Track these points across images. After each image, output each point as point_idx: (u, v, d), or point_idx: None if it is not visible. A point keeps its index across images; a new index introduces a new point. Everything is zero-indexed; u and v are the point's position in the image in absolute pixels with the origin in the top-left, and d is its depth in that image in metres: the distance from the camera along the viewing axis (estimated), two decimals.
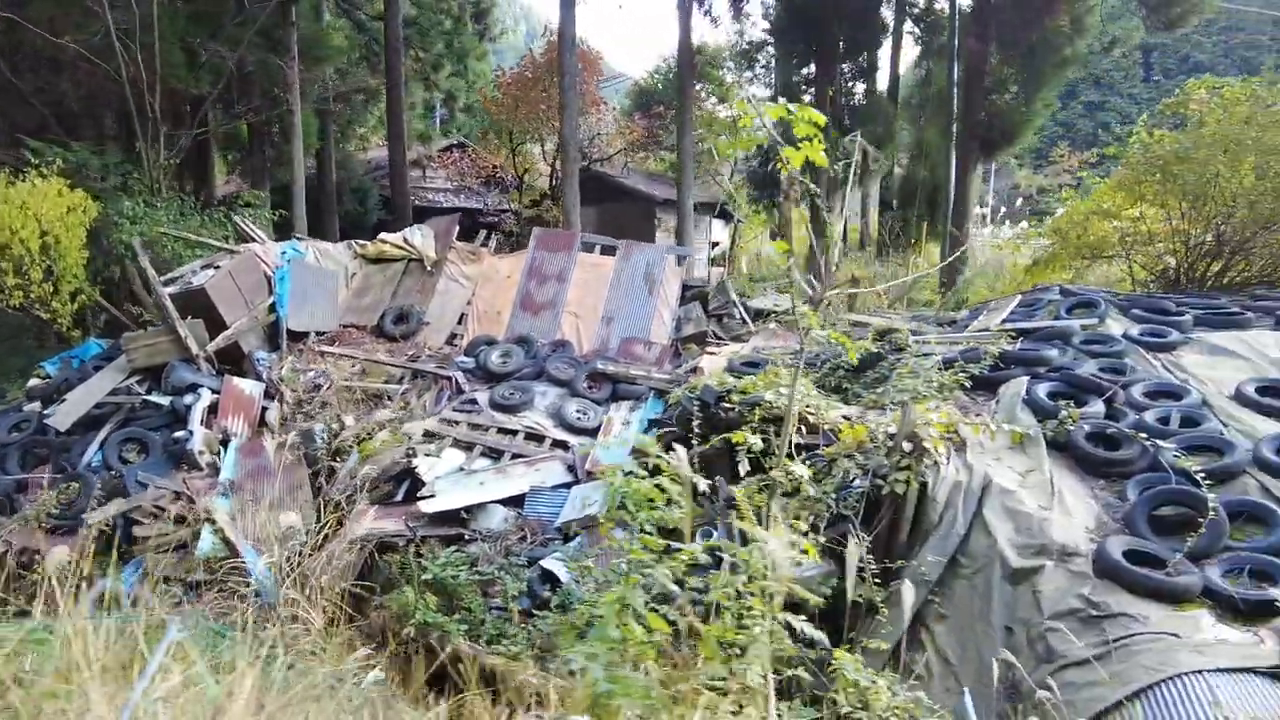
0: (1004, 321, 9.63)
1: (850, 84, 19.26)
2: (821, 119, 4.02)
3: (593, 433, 9.23)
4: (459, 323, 11.41)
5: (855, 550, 5.84)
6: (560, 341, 10.82)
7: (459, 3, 21.51)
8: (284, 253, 11.71)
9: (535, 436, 9.15)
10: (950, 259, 15.50)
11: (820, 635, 3.16)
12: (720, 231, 26.01)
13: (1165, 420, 6.87)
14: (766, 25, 19.06)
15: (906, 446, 6.06)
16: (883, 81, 20.91)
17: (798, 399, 7.05)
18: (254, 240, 11.83)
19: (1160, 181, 12.36)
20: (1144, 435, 6.50)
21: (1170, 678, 4.41)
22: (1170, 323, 8.77)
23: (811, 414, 7.08)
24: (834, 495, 6.14)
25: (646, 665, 2.46)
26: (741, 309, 11.48)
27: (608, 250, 11.77)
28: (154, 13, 12.68)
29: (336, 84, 19.67)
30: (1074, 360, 8.18)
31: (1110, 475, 6.41)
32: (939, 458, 6.31)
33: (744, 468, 6.10)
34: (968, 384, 7.80)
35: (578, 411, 9.50)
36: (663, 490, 3.60)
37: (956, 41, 15.08)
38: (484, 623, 6.78)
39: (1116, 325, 9.08)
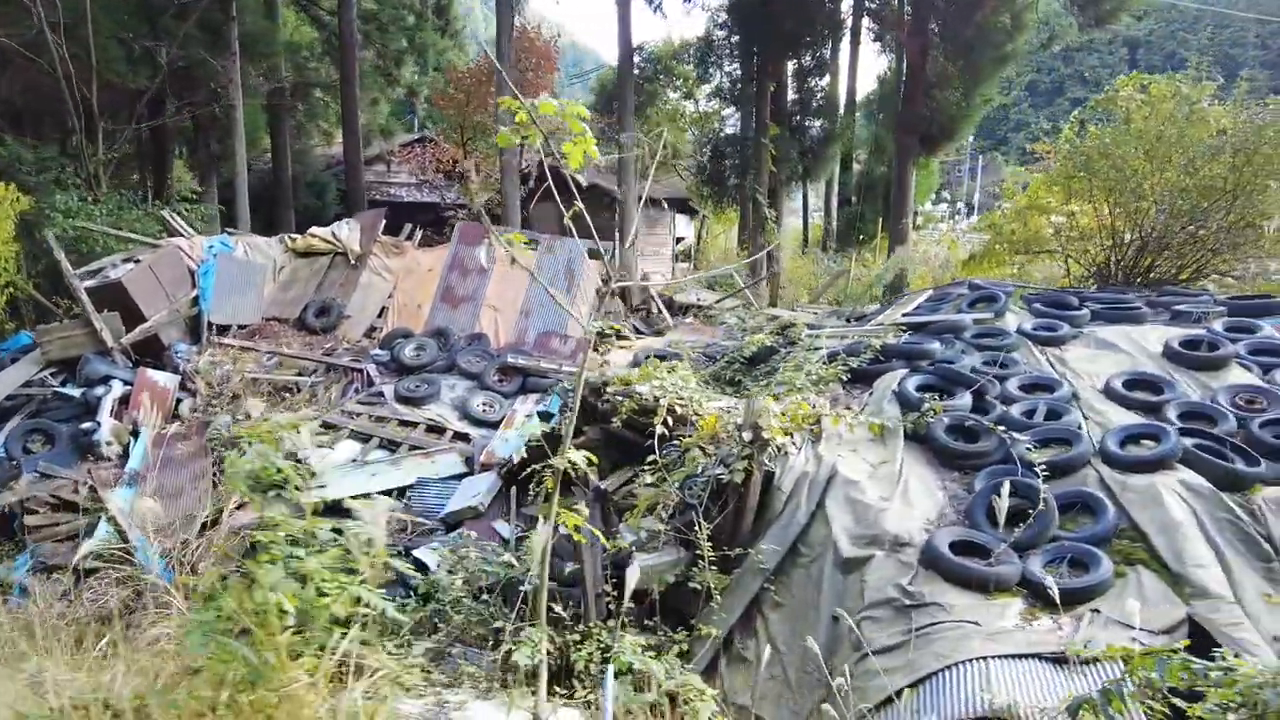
0: (908, 315, 9.68)
1: (808, 81, 19.28)
2: (585, 113, 4.07)
3: (496, 425, 9.30)
4: (379, 316, 11.49)
5: (668, 543, 5.96)
6: (476, 335, 10.90)
7: None
8: (210, 247, 11.78)
9: (437, 429, 9.22)
10: (893, 256, 15.54)
11: (398, 615, 3.23)
12: (686, 227, 26.06)
13: (1030, 413, 6.93)
14: (720, 20, 19.10)
15: (746, 437, 6.11)
16: (863, 80, 20.94)
17: (670, 392, 7.13)
18: (180, 234, 11.89)
19: (1085, 178, 12.40)
20: (1002, 428, 6.58)
21: (953, 664, 4.48)
22: (1067, 318, 8.81)
23: (682, 405, 7.14)
24: (676, 485, 6.21)
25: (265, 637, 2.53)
26: (660, 304, 11.54)
27: (529, 245, 11.83)
28: (87, 7, 12.73)
29: (292, 78, 19.72)
30: (961, 354, 8.23)
31: (965, 467, 6.48)
32: (789, 447, 6.37)
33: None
34: (846, 377, 7.87)
35: (483, 404, 9.57)
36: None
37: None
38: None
39: (1015, 320, 9.12)
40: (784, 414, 6.73)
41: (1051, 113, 63.71)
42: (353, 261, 11.94)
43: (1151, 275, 12.85)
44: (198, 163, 15.74)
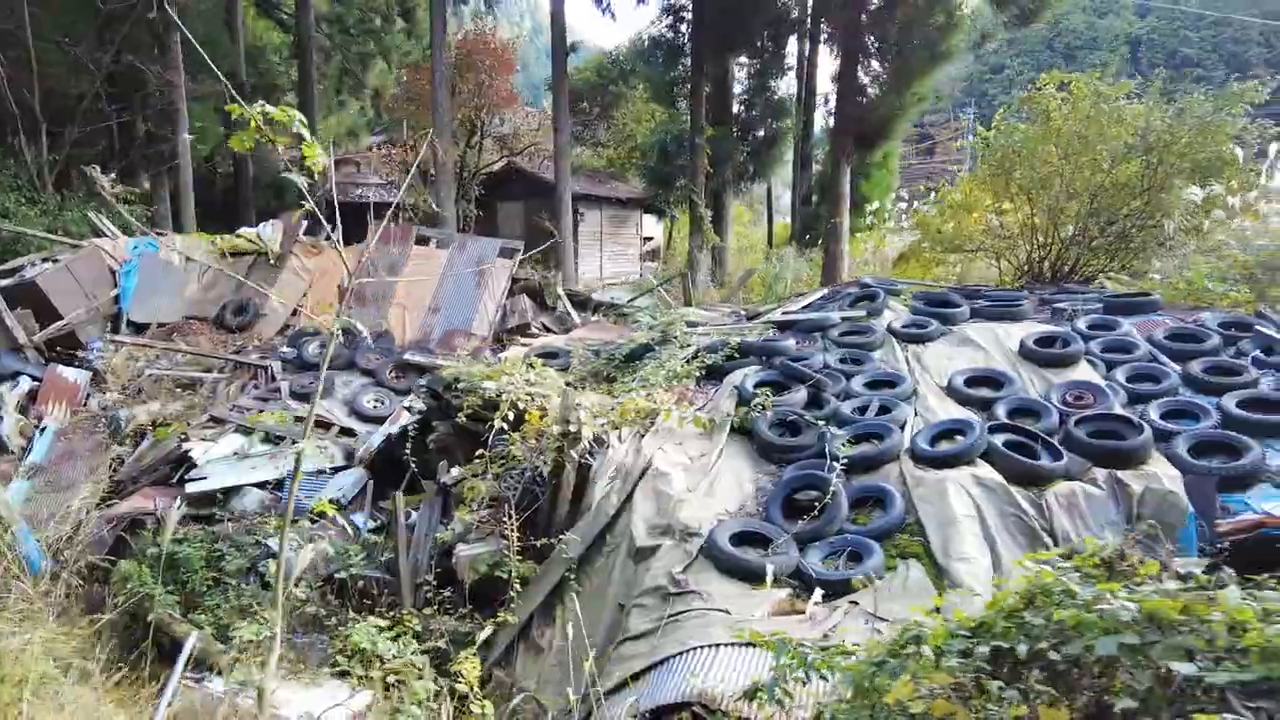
0: (788, 313, 9.76)
1: (761, 80, 19.30)
2: (287, 115, 4.21)
3: (383, 421, 9.49)
4: (293, 314, 11.71)
5: (490, 534, 6.11)
6: (382, 332, 11.09)
7: (385, 1, 21.82)
8: (135, 247, 12.06)
9: (324, 424, 9.41)
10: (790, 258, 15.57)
11: None
12: (654, 227, 26.17)
13: (864, 409, 7.01)
14: (656, 18, 19.17)
15: (556, 430, 6.25)
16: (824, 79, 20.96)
17: (514, 389, 7.27)
18: (105, 235, 12.19)
19: (1003, 177, 12.40)
20: (823, 422, 6.68)
21: (684, 650, 4.59)
22: (943, 316, 8.85)
23: (525, 402, 7.28)
24: (492, 477, 6.36)
25: None
26: (567, 303, 11.68)
27: (443, 244, 12.03)
28: (25, 15, 13.07)
29: (253, 81, 20.06)
30: (824, 351, 8.32)
31: (783, 460, 6.58)
32: (607, 440, 6.51)
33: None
34: (700, 373, 7.98)
35: (373, 400, 9.76)
36: None
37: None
38: (205, 593, 7.08)
39: (891, 318, 9.16)
40: (615, 409, 6.88)
41: None
42: (272, 261, 12.18)
43: (1077, 273, 12.85)
44: (149, 164, 16.09)
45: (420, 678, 4.64)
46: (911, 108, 14.63)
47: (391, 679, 4.70)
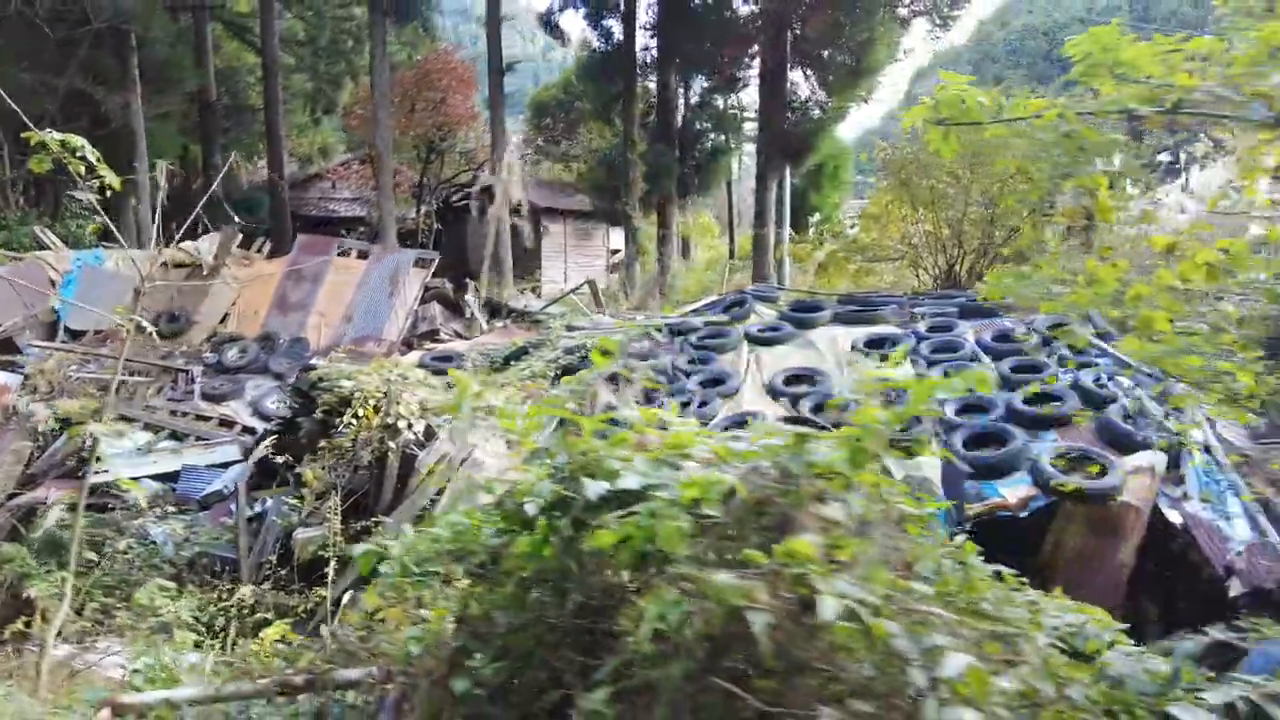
0: (674, 318, 10.29)
1: (709, 95, 19.86)
2: (74, 143, 4.83)
3: None
4: (222, 322, 12.41)
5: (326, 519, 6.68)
6: (298, 339, 11.74)
7: (356, 23, 22.66)
8: (77, 259, 12.83)
9: (228, 423, 10.05)
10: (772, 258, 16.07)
11: None
12: (621, 239, 26.78)
13: (685, 405, 7.53)
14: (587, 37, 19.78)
15: (377, 422, 6.83)
16: None
17: (369, 388, 7.85)
18: (48, 248, 12.97)
19: (901, 189, 12.87)
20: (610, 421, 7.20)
21: None
22: (804, 320, 9.34)
23: (373, 399, 7.84)
24: (322, 467, 6.95)
25: None
26: (476, 309, 12.29)
27: (364, 255, 12.69)
28: None
29: (226, 101, 20.99)
30: (678, 352, 8.86)
31: None
32: (433, 430, 7.08)
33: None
34: (555, 373, 8.53)
35: (276, 402, 10.38)
36: None
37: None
38: (83, 573, 7.70)
39: (756, 322, 9.66)
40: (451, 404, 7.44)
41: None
42: (206, 273, 12.90)
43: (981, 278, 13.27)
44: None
45: (196, 632, 5.21)
46: (835, 122, 15.12)
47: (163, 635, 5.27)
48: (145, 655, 4.44)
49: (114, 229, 7.59)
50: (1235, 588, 5.28)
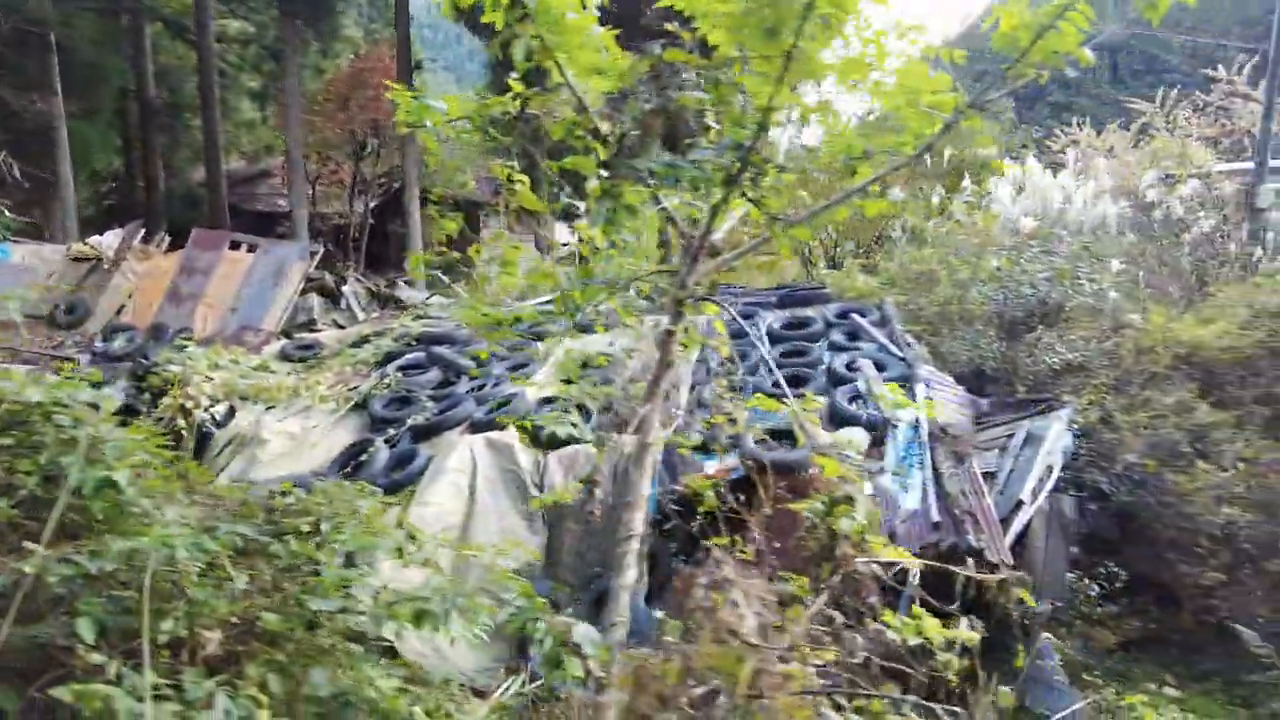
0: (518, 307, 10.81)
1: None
2: None
3: None
4: (118, 314, 12.99)
5: None
6: (185, 329, 12.29)
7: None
8: None
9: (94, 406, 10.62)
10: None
11: None
12: (569, 233, 27.30)
13: (482, 387, 8.06)
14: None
15: (178, 404, 7.40)
16: None
17: (188, 371, 8.41)
18: None
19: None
20: (427, 397, 7.75)
21: None
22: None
23: (188, 383, 8.39)
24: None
25: None
26: (353, 301, 12.83)
27: (254, 248, 13.26)
28: None
29: (168, 99, 21.60)
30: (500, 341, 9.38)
31: (388, 430, 7.65)
32: (231, 410, 7.65)
33: None
34: (377, 359, 9.08)
35: (120, 389, 10.96)
36: None
37: None
38: None
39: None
40: (251, 386, 8.01)
41: (1031, 117, 63.20)
42: (106, 266, 13.49)
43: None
44: (32, 183, 17.42)
45: None
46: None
47: None
48: None
49: (41, 226, 8.11)
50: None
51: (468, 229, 21.06)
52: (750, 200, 3.11)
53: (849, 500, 2.82)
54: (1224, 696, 5.86)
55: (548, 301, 11.57)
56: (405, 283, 14.62)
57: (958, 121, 3.03)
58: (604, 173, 3.10)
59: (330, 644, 2.38)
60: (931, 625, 2.62)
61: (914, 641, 2.62)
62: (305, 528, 2.89)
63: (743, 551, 3.36)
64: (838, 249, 13.88)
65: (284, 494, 3.11)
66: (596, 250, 3.40)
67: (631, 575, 2.90)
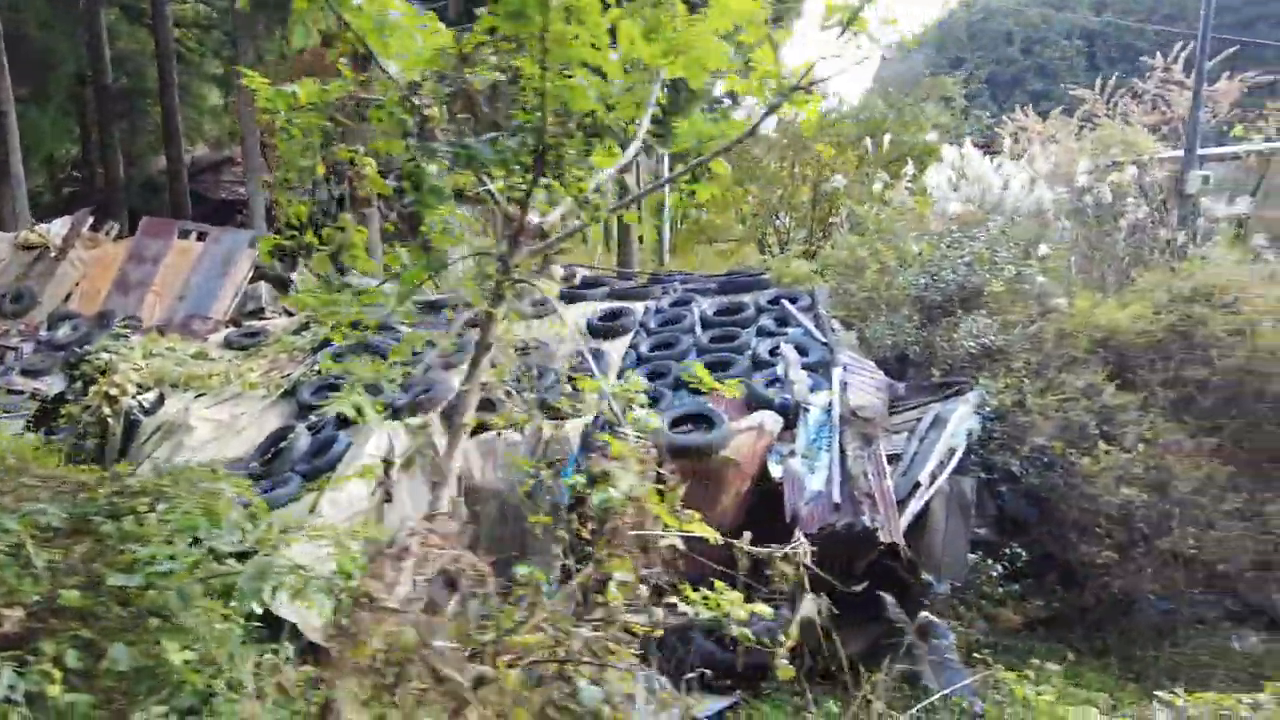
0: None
1: None
2: None
3: None
4: (64, 302, 12.91)
5: None
6: (132, 317, 12.24)
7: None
8: None
9: (38, 396, 10.59)
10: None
11: None
12: None
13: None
14: None
15: (99, 391, 7.41)
16: None
17: (118, 360, 8.40)
18: None
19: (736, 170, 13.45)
20: (330, 389, 7.80)
21: None
22: (576, 296, 9.93)
23: (116, 372, 8.37)
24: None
25: None
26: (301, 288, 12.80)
27: (203, 236, 13.20)
28: None
29: (127, 84, 21.37)
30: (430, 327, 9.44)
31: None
32: (161, 397, 7.66)
33: None
34: (312, 347, 9.10)
35: (50, 378, 10.92)
36: None
37: None
38: None
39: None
40: (182, 374, 8.02)
41: (1010, 104, 63.09)
42: (54, 254, 13.39)
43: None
44: None
45: None
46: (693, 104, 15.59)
47: None
48: None
49: None
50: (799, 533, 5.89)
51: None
52: (559, 182, 3.17)
53: (606, 476, 2.89)
54: (1120, 670, 6.02)
55: (384, 282, 11.64)
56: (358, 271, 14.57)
57: (787, 98, 3.10)
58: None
59: (136, 619, 2.44)
60: (733, 601, 2.71)
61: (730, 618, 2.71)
62: (142, 507, 2.94)
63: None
64: (790, 236, 13.97)
65: (128, 475, 3.16)
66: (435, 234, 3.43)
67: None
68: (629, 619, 2.56)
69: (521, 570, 2.76)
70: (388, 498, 5.99)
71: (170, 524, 2.85)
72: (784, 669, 3.06)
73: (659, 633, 2.82)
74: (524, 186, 3.19)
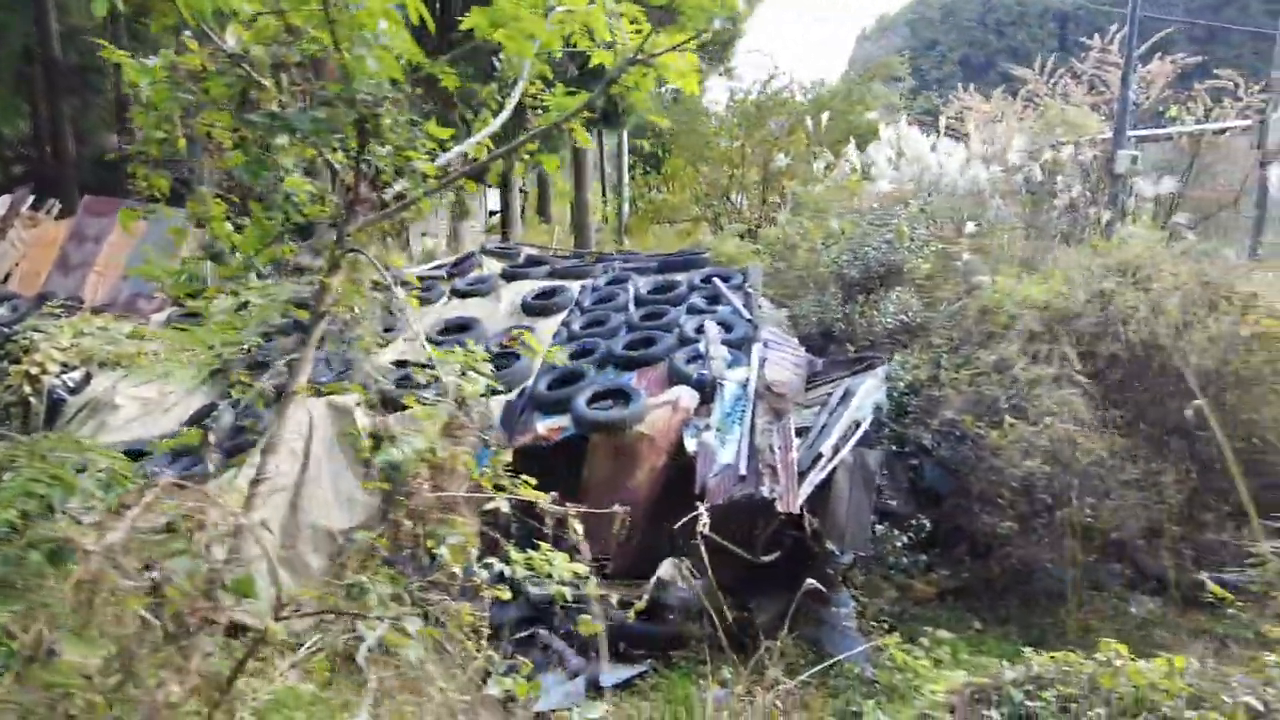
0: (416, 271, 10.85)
1: None
2: None
3: None
4: (4, 282, 12.76)
5: None
6: (74, 297, 12.13)
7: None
8: None
9: None
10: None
11: None
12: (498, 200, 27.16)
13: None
14: None
15: (16, 369, 7.38)
16: None
17: (45, 339, 8.36)
18: None
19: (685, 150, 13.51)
20: (282, 361, 7.80)
21: None
22: (521, 274, 9.97)
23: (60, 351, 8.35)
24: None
25: None
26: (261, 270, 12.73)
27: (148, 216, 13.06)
28: None
29: (80, 61, 20.99)
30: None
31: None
32: (87, 376, 7.65)
33: None
34: (242, 325, 9.07)
35: None
36: None
37: None
38: None
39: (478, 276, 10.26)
40: (111, 353, 8.00)
41: (983, 85, 63.27)
42: None
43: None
44: None
45: None
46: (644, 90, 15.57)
47: None
48: None
49: None
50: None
51: None
52: (381, 152, 3.23)
53: (391, 438, 2.98)
54: (1019, 636, 6.20)
55: (437, 266, 11.66)
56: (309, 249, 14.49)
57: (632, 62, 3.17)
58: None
59: None
60: (547, 559, 2.81)
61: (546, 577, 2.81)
62: None
63: None
64: (745, 216, 14.04)
65: None
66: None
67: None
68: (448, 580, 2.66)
69: (360, 535, 2.84)
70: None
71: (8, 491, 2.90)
72: (585, 623, 3.10)
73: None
74: (355, 155, 3.24)
